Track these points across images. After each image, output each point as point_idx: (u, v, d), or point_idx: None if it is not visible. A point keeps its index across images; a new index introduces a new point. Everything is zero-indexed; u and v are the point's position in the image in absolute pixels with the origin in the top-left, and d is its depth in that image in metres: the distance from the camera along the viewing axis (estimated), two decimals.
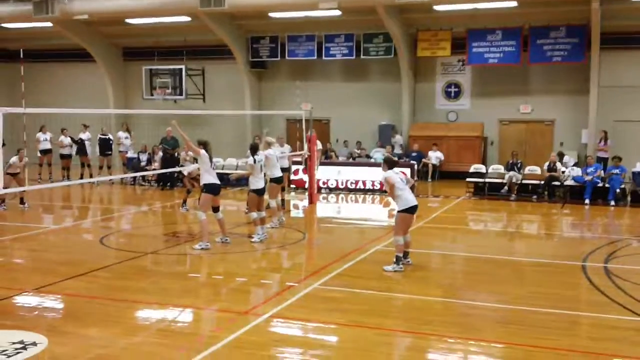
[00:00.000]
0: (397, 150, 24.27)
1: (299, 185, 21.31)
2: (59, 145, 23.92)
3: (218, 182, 12.52)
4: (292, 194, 20.61)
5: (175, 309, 8.71)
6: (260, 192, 13.14)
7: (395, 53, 25.09)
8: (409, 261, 10.93)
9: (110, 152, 24.54)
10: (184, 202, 17.38)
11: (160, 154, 22.44)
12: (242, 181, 23.16)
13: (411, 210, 10.62)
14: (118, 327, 7.88)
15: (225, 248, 12.52)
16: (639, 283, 10.00)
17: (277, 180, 14.75)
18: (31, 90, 23.13)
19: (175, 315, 8.54)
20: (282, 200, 17.17)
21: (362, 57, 25.74)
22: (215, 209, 12.76)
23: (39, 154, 23.71)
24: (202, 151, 12.27)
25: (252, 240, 13.03)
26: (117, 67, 30.53)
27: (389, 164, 10.91)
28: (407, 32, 25.07)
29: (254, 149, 13.24)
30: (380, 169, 11.25)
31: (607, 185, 19.07)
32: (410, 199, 10.60)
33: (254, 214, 13.11)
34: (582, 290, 10.11)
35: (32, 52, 28.73)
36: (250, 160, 13.04)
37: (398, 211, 10.71)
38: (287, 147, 18.16)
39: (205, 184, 12.36)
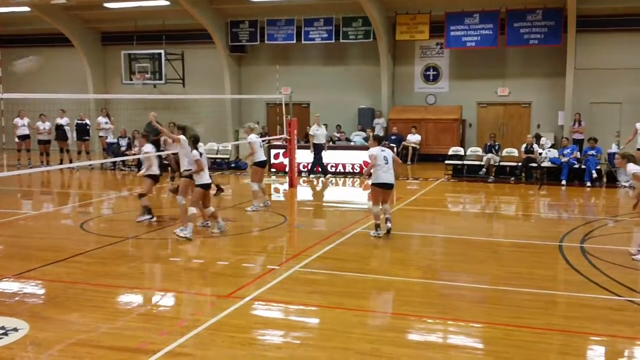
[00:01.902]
0: (379, 132, 24.31)
1: (280, 169, 21.39)
2: (35, 131, 23.71)
3: None
4: (273, 177, 20.66)
5: (156, 293, 8.74)
6: (205, 187, 12.11)
7: (374, 37, 25.12)
8: (386, 230, 11.78)
9: (87, 138, 24.37)
10: (172, 179, 17.58)
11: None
12: (223, 164, 23.19)
13: (380, 185, 11.78)
14: (99, 312, 7.89)
15: (206, 232, 12.54)
16: (615, 262, 10.16)
17: (260, 164, 14.85)
18: (9, 76, 22.89)
19: (157, 299, 8.57)
20: None
21: (341, 40, 25.76)
22: None
23: (16, 140, 23.47)
24: (182, 137, 12.20)
25: (179, 235, 11.79)
26: (96, 52, 30.29)
27: (378, 140, 12.41)
28: (386, 16, 25.10)
29: (196, 141, 12.01)
30: (360, 151, 11.71)
31: (583, 166, 19.30)
32: (382, 177, 11.72)
33: (193, 209, 11.90)
34: (559, 269, 10.27)
35: (10, 36, 28.39)
36: (194, 154, 11.87)
37: (371, 184, 11.99)
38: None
39: (185, 170, 12.34)
